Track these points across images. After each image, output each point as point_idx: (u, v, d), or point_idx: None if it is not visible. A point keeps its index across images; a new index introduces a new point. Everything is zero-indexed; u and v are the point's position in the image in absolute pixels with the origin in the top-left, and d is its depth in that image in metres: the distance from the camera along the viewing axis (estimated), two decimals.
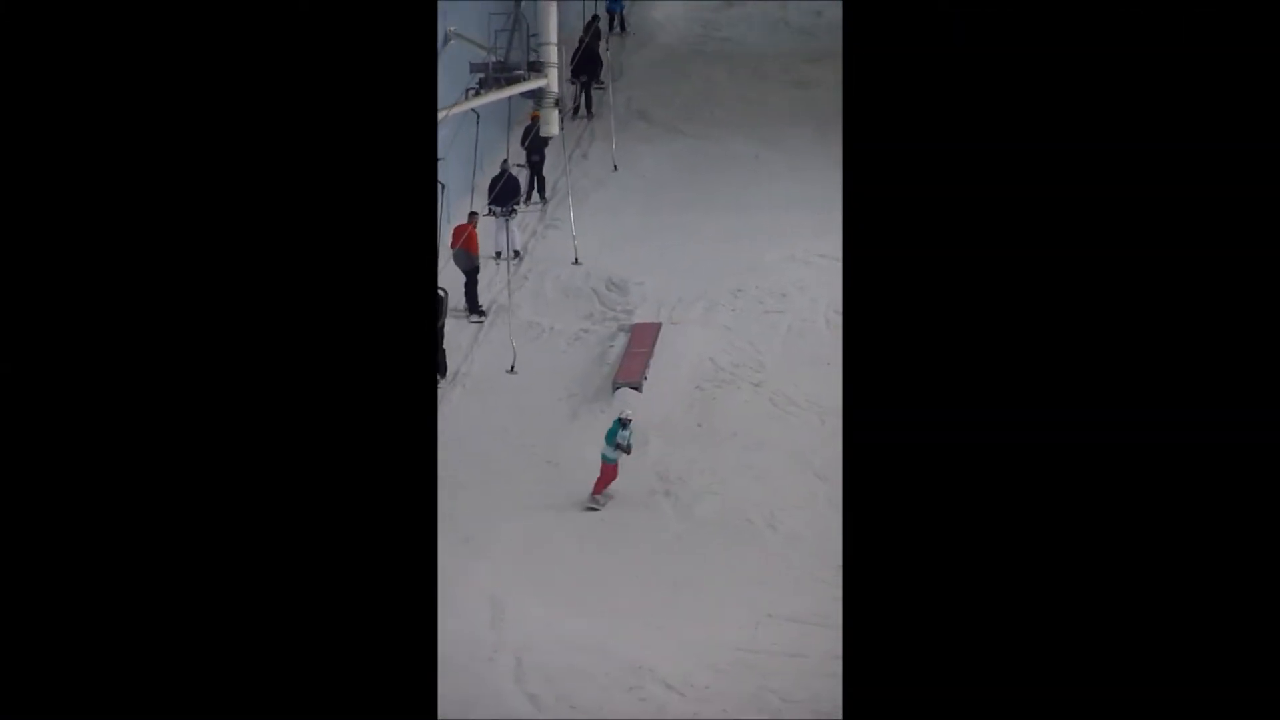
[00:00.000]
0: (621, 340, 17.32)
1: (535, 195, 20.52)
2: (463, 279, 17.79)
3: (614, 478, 14.47)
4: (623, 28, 26.69)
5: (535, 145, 19.72)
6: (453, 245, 17.70)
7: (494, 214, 18.60)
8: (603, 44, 24.12)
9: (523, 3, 16.74)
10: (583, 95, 23.34)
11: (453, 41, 15.84)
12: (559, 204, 20.20)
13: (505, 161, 19.16)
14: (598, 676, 12.12)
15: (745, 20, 27.48)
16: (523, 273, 18.89)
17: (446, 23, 15.17)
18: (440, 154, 15.77)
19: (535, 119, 18.00)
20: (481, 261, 17.99)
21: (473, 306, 17.88)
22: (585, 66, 23.17)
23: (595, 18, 24.23)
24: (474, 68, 16.51)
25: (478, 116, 16.82)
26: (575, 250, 19.00)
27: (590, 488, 14.50)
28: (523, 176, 20.06)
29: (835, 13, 21.22)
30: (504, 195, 18.72)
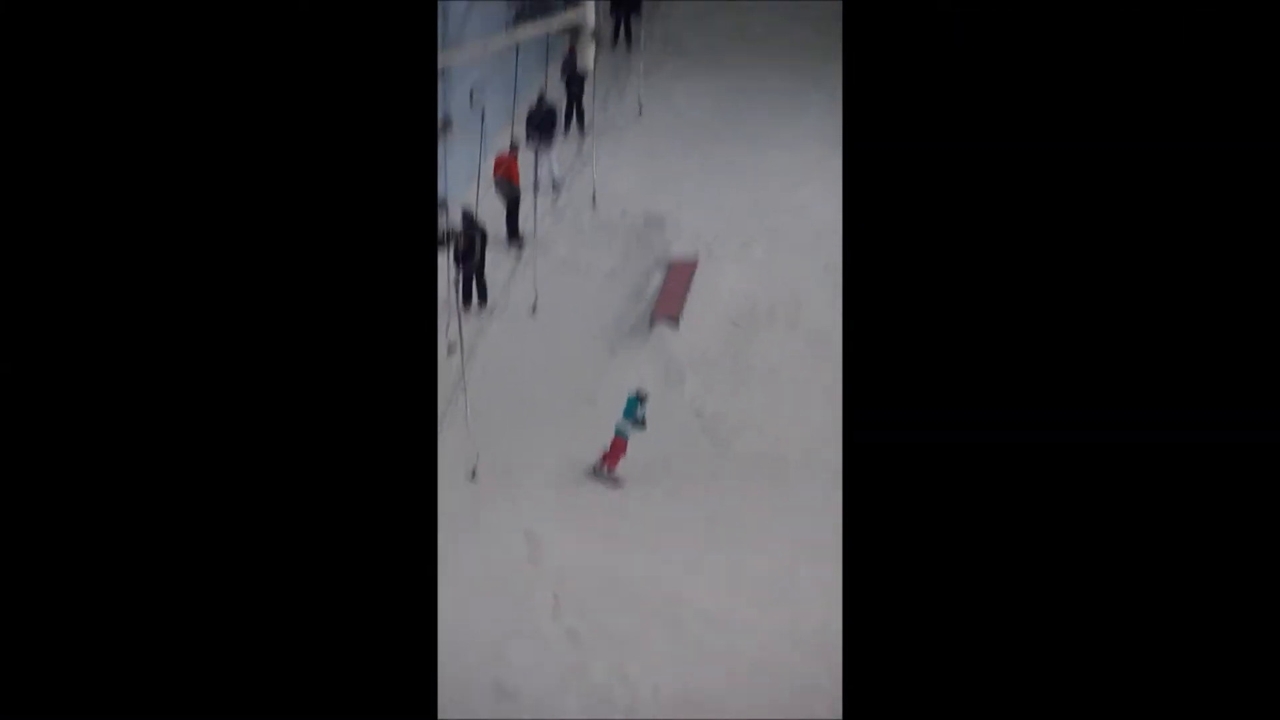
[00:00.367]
0: (658, 277, 17.26)
1: (575, 125, 20.39)
2: (504, 208, 17.75)
3: (624, 453, 14.15)
4: None
5: (574, 77, 19.56)
6: (495, 174, 17.66)
7: (531, 146, 18.51)
8: None
9: None
10: (622, 27, 23.11)
11: None
12: (595, 139, 20.08)
13: (543, 93, 19.00)
14: (636, 610, 12.21)
15: None
16: (560, 206, 18.80)
17: None
18: (478, 84, 15.71)
19: (573, 50, 17.86)
20: (522, 192, 17.91)
21: (512, 234, 17.84)
22: None
23: None
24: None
25: (517, 47, 16.71)
26: (594, 194, 18.66)
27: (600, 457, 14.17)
28: (561, 107, 19.90)
29: None
30: (543, 127, 18.60)
